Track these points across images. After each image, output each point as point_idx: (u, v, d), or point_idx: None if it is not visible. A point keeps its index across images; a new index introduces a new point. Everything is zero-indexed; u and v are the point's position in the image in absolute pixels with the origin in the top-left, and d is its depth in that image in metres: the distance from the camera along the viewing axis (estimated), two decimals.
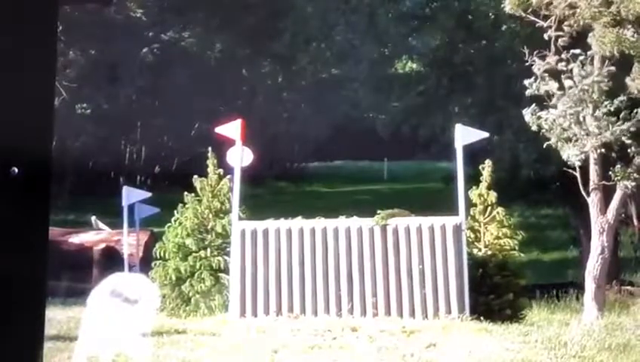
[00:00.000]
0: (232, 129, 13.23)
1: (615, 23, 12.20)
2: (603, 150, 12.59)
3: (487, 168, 13.41)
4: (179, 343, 10.73)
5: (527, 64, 12.70)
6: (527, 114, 12.72)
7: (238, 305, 12.36)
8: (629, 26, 12.25)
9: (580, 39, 12.63)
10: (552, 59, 12.51)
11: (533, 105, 12.68)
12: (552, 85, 12.52)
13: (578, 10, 12.29)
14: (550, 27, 12.55)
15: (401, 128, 31.10)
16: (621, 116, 12.38)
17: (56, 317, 11.74)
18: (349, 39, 35.22)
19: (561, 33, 12.46)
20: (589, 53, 12.50)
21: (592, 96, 12.40)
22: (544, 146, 13.17)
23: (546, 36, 12.63)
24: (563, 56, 12.50)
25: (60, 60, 26.13)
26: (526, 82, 12.67)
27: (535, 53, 12.56)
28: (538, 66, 12.56)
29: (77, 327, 9.89)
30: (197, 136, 28.47)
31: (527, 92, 12.71)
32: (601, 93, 12.37)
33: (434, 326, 11.45)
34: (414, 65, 30.32)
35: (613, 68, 12.40)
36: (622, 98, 12.40)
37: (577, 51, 12.49)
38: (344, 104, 37.69)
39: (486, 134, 13.36)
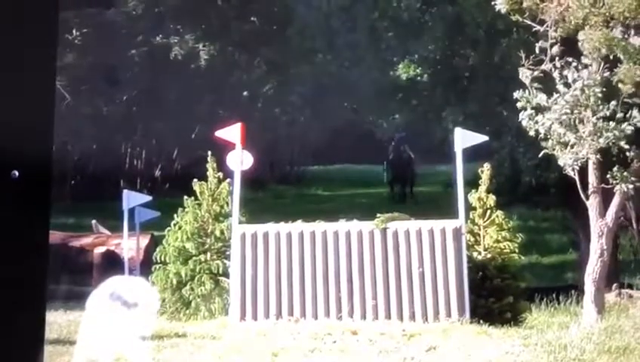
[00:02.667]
0: (232, 132, 13.24)
1: (606, 24, 12.21)
2: (599, 155, 12.60)
3: (485, 171, 13.42)
4: (179, 347, 10.74)
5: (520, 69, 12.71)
6: (525, 118, 12.72)
7: (238, 309, 12.36)
8: (619, 26, 12.26)
9: (573, 46, 12.64)
10: (546, 65, 12.51)
11: (529, 109, 12.67)
12: (542, 97, 12.53)
13: (570, 11, 12.30)
14: (547, 32, 12.55)
15: (400, 132, 31.27)
16: (615, 119, 12.38)
17: (56, 320, 11.75)
18: (348, 44, 35.19)
19: (553, 41, 12.47)
20: (582, 59, 12.51)
21: (585, 102, 12.40)
22: (540, 155, 13.18)
23: (537, 48, 12.62)
24: (557, 63, 12.50)
25: (61, 63, 26.14)
26: (516, 95, 12.67)
27: (532, 57, 12.56)
28: (526, 75, 12.58)
29: (77, 331, 9.89)
30: (197, 140, 28.46)
31: (519, 105, 12.72)
32: (596, 99, 12.37)
33: (434, 329, 11.45)
34: (418, 71, 30.34)
35: (607, 73, 12.40)
36: (614, 102, 12.39)
37: (570, 59, 12.51)
38: (344, 108, 37.67)
39: (485, 138, 13.37)
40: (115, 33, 29.00)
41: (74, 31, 27.50)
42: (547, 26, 12.56)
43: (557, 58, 12.45)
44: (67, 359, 9.57)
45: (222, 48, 30.20)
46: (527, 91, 12.58)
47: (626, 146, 12.33)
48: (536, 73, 12.52)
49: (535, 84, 12.56)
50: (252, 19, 30.45)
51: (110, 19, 29.14)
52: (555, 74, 12.47)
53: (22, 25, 2.30)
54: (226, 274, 13.04)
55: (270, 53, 30.61)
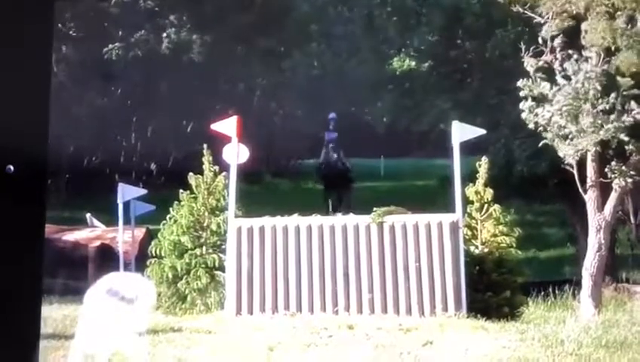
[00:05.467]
0: (228, 126, 13.20)
1: (609, 15, 12.20)
2: (599, 148, 12.60)
3: (483, 165, 13.39)
4: (175, 341, 10.71)
5: (522, 60, 12.70)
6: (526, 110, 12.71)
7: (234, 303, 12.33)
8: (622, 17, 12.25)
9: (574, 38, 12.63)
10: (547, 57, 12.51)
11: (530, 101, 12.66)
12: (546, 87, 12.52)
13: (573, 0, 12.29)
14: (546, 23, 12.55)
15: (396, 125, 31.11)
16: (615, 111, 12.38)
17: (51, 315, 11.71)
18: (345, 36, 35.21)
19: (555, 32, 12.46)
20: (583, 53, 12.51)
21: (586, 94, 12.40)
22: (540, 145, 13.17)
23: (540, 39, 12.61)
24: (558, 55, 12.50)
25: (58, 55, 26.12)
26: (519, 83, 12.66)
27: (532, 48, 12.56)
28: (530, 64, 12.56)
29: (73, 325, 9.87)
30: (193, 134, 28.44)
31: (521, 93, 12.70)
32: (596, 91, 12.37)
33: (431, 323, 11.44)
34: (412, 63, 30.29)
35: (606, 66, 12.39)
36: (614, 95, 12.39)
37: (571, 51, 12.50)
38: (340, 101, 37.68)
39: (483, 131, 13.32)
40: (109, 25, 28.96)
41: (65, 22, 27.44)
42: (548, 17, 12.56)
43: (558, 49, 12.44)
44: (62, 353, 9.54)
45: (218, 40, 30.17)
46: (530, 80, 12.57)
47: (626, 139, 12.33)
48: (540, 63, 12.50)
49: (539, 74, 12.55)
50: (249, 12, 30.40)
51: (105, 10, 29.10)
52: (556, 65, 12.46)
53: (17, 19, 2.27)
54: (221, 268, 13.01)
55: (267, 46, 30.58)
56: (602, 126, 12.30)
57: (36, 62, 2.34)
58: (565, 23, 12.50)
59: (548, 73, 12.65)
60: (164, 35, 29.79)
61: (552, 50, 12.53)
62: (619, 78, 12.34)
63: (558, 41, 12.47)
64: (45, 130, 2.37)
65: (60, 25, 26.39)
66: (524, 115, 12.73)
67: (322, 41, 35.24)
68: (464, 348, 10.34)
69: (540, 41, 12.59)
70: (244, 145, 13.17)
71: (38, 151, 2.35)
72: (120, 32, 29.50)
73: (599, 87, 12.36)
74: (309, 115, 34.61)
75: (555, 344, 10.33)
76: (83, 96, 28.98)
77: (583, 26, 12.28)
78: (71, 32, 27.72)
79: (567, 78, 12.48)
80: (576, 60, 12.44)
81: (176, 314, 12.91)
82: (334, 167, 25.81)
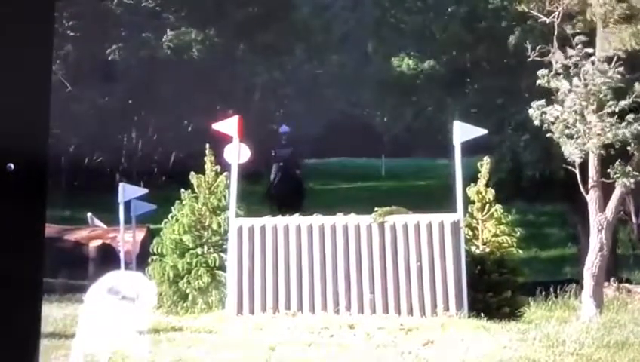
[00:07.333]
0: (229, 125, 13.21)
1: (626, 19, 12.21)
2: (603, 151, 12.60)
3: (485, 165, 13.38)
4: (175, 340, 10.70)
5: (529, 60, 12.70)
6: (533, 107, 12.71)
7: (235, 303, 12.34)
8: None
9: (591, 38, 12.64)
10: (560, 56, 12.51)
11: (542, 100, 12.66)
12: (565, 84, 12.51)
13: (589, 9, 12.29)
14: (553, 22, 12.56)
15: (398, 125, 31.14)
16: (626, 118, 12.38)
17: (52, 314, 11.71)
18: (346, 36, 35.24)
19: (578, 30, 12.48)
20: (599, 53, 12.52)
21: (598, 96, 12.39)
22: (546, 137, 13.15)
23: (556, 34, 12.63)
24: (574, 53, 12.49)
25: (59, 54, 26.12)
26: (539, 73, 12.63)
27: (538, 48, 12.56)
28: (556, 59, 12.56)
29: (73, 325, 9.86)
30: (194, 133, 28.45)
31: (538, 82, 12.68)
32: (610, 94, 12.37)
33: (432, 323, 11.43)
34: (411, 63, 30.31)
35: (621, 68, 12.39)
36: (627, 101, 12.39)
37: (590, 50, 12.50)
38: (341, 101, 37.69)
39: (484, 131, 13.31)
40: (110, 24, 28.96)
41: (66, 22, 27.44)
42: (555, 17, 12.56)
43: (579, 47, 12.43)
44: (63, 352, 9.53)
45: (219, 38, 30.16)
46: (550, 73, 12.55)
47: (629, 138, 12.32)
48: (567, 61, 12.48)
49: (561, 71, 12.54)
50: (250, 10, 30.40)
51: (106, 9, 29.10)
52: (571, 63, 12.45)
53: (17, 18, 2.27)
54: (222, 268, 13.01)
55: (268, 45, 30.57)
56: (611, 129, 12.30)
57: (36, 61, 2.34)
58: (582, 25, 12.51)
59: (565, 72, 12.65)
60: (165, 34, 29.79)
61: (563, 50, 12.53)
62: (635, 85, 12.35)
63: (577, 40, 12.46)
64: (45, 130, 2.37)
65: (61, 24, 26.40)
66: (531, 112, 12.73)
67: (323, 41, 35.22)
68: (465, 348, 10.33)
69: (556, 36, 12.59)
70: (245, 145, 13.18)
71: (38, 150, 2.35)
72: (121, 32, 29.51)
73: (614, 86, 12.36)
74: (310, 115, 34.62)
75: (556, 344, 10.31)
76: (84, 95, 28.99)
77: (602, 32, 12.28)
78: (71, 32, 27.72)
79: (581, 77, 12.49)
80: (593, 62, 12.44)
81: (177, 313, 12.91)
82: (285, 187, 22.89)
